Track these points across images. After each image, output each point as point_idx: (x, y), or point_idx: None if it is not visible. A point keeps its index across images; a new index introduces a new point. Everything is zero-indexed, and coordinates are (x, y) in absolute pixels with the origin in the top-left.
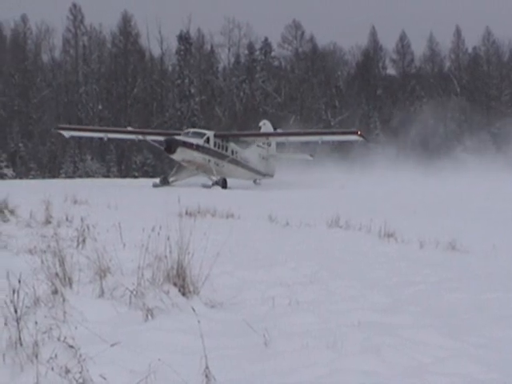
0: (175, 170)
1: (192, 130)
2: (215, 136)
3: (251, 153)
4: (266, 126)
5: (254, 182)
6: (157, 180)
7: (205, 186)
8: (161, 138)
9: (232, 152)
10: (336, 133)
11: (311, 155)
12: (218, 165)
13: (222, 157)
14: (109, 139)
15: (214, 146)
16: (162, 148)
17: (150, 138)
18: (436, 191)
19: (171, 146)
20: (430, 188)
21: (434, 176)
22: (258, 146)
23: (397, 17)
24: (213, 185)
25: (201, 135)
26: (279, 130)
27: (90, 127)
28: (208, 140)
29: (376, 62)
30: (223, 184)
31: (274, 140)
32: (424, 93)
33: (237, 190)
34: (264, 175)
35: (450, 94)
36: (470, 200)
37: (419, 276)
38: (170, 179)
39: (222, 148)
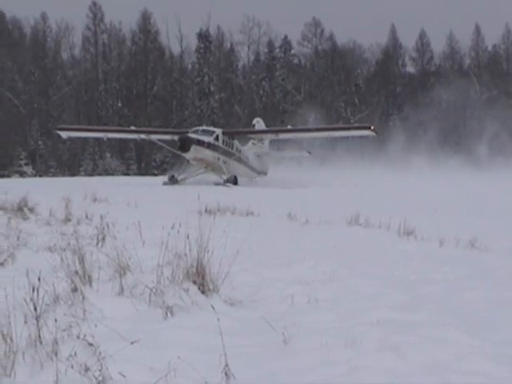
0: (183, 168)
1: (201, 127)
2: (223, 133)
3: (249, 150)
4: (259, 123)
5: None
6: (166, 178)
7: (218, 184)
8: (166, 137)
9: (237, 150)
10: (349, 128)
11: (309, 152)
12: (225, 163)
13: (229, 155)
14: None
15: (222, 143)
16: (176, 146)
17: (154, 136)
18: (454, 190)
19: (185, 145)
20: (448, 186)
21: (452, 174)
22: (252, 143)
23: (416, 15)
24: (224, 182)
25: (210, 133)
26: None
27: (90, 127)
28: (217, 138)
29: (396, 59)
30: (234, 181)
31: (267, 137)
32: (443, 91)
33: (253, 188)
34: (258, 173)
35: (469, 92)
36: (489, 199)
37: (438, 274)
38: (179, 178)
39: (229, 146)
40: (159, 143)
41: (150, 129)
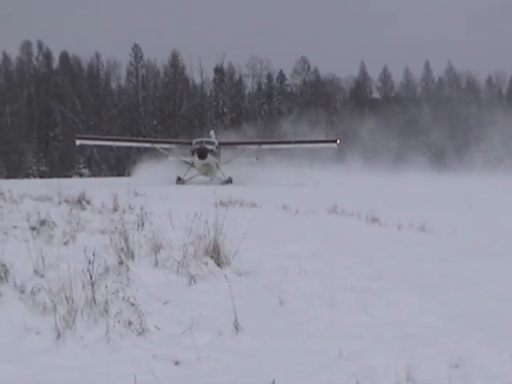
0: (187, 171)
1: (204, 139)
2: (218, 144)
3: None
4: (213, 135)
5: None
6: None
7: (223, 184)
8: (166, 146)
9: (220, 157)
10: (318, 141)
11: (256, 158)
12: (217, 166)
13: (219, 160)
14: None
15: (217, 151)
16: (196, 154)
17: (158, 146)
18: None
19: (204, 153)
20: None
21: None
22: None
23: (381, 53)
24: (225, 182)
25: (212, 143)
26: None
27: (102, 136)
28: (216, 147)
29: (364, 88)
30: (230, 181)
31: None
32: (400, 111)
33: (252, 187)
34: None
35: (420, 114)
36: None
37: (396, 251)
38: (185, 178)
39: (219, 153)
40: (163, 152)
41: (156, 139)
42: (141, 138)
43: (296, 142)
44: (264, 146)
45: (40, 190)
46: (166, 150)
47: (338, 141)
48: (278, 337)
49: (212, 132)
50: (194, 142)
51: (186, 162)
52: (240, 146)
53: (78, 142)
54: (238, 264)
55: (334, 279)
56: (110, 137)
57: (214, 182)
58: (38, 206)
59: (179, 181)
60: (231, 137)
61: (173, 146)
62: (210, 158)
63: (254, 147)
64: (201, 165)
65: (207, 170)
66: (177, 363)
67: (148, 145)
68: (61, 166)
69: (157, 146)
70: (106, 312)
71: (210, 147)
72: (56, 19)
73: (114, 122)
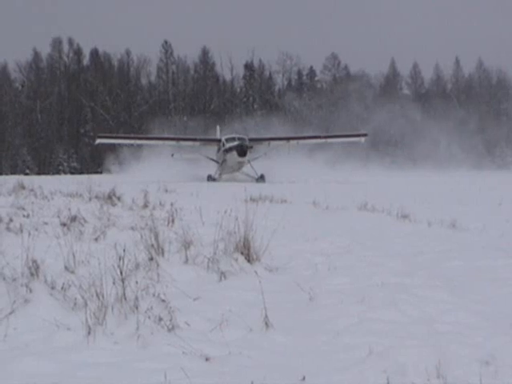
0: (221, 168)
1: (236, 135)
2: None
3: None
4: (218, 130)
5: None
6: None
7: (258, 181)
8: (189, 143)
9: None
10: (345, 135)
11: (265, 153)
12: (250, 164)
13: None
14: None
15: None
16: (236, 152)
17: (184, 143)
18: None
19: (246, 151)
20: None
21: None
22: None
23: (410, 49)
24: (259, 180)
25: (245, 139)
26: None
27: (123, 135)
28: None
29: (394, 84)
30: (263, 178)
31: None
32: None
33: (284, 184)
34: None
35: (450, 110)
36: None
37: (427, 247)
38: (216, 176)
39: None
40: (188, 154)
41: (177, 136)
42: (165, 136)
43: (325, 137)
44: (292, 142)
45: (71, 187)
46: (191, 148)
47: (364, 137)
48: (308, 333)
49: (218, 127)
50: (224, 138)
51: (213, 160)
52: (267, 142)
53: (97, 141)
54: (268, 260)
55: (363, 275)
56: (131, 135)
57: (246, 179)
58: (69, 202)
59: (210, 179)
60: (261, 133)
61: (197, 143)
62: (247, 156)
63: (282, 143)
64: (237, 162)
65: (239, 168)
66: (207, 359)
67: (173, 142)
68: (91, 162)
69: (182, 143)
70: (137, 308)
71: (249, 144)
72: (86, 16)
73: (144, 119)
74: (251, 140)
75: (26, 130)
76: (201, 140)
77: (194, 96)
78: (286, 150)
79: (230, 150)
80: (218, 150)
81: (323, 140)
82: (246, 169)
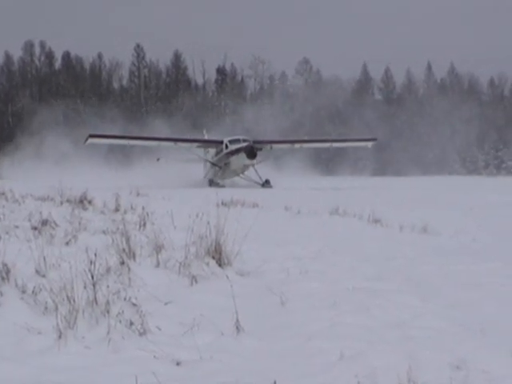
0: (221, 172)
1: (240, 137)
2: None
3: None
4: (206, 133)
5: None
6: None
7: (264, 187)
8: (185, 145)
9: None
10: (353, 140)
11: (158, 159)
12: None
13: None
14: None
15: None
16: (245, 154)
17: (182, 145)
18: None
19: (255, 153)
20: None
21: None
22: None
23: (382, 53)
24: (264, 185)
25: (251, 141)
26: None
27: (117, 135)
28: None
29: (367, 89)
30: (269, 184)
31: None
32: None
33: (259, 189)
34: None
35: (422, 114)
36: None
37: (399, 252)
38: (218, 181)
39: None
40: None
41: (175, 137)
42: (162, 137)
43: (331, 141)
44: (297, 145)
45: (42, 190)
46: (188, 150)
47: (372, 142)
48: (280, 337)
49: (205, 131)
50: (228, 140)
51: (212, 163)
52: (269, 145)
53: (88, 141)
54: (239, 264)
55: (335, 280)
56: (126, 135)
57: (249, 185)
58: (40, 205)
59: (211, 184)
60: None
61: (194, 144)
62: (256, 158)
63: (286, 146)
64: (243, 165)
65: (243, 172)
66: (178, 364)
67: (171, 143)
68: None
69: (179, 144)
70: (108, 312)
71: (259, 146)
72: (58, 19)
73: (116, 122)
74: (255, 143)
75: None
76: (202, 142)
77: (165, 100)
78: (289, 153)
79: (236, 151)
80: (217, 152)
81: (329, 144)
82: (249, 173)
